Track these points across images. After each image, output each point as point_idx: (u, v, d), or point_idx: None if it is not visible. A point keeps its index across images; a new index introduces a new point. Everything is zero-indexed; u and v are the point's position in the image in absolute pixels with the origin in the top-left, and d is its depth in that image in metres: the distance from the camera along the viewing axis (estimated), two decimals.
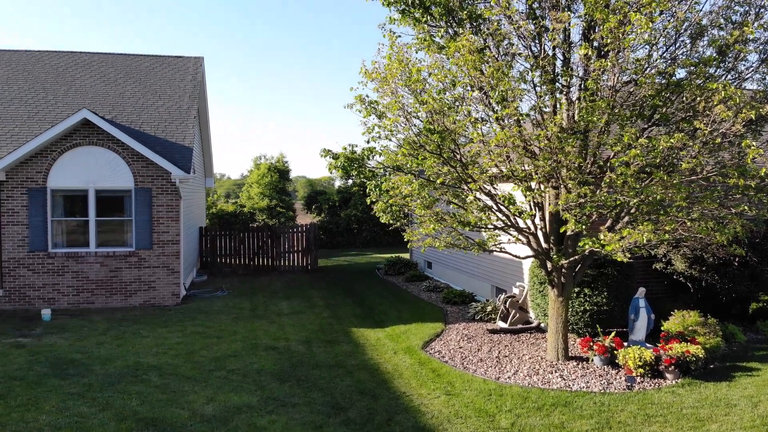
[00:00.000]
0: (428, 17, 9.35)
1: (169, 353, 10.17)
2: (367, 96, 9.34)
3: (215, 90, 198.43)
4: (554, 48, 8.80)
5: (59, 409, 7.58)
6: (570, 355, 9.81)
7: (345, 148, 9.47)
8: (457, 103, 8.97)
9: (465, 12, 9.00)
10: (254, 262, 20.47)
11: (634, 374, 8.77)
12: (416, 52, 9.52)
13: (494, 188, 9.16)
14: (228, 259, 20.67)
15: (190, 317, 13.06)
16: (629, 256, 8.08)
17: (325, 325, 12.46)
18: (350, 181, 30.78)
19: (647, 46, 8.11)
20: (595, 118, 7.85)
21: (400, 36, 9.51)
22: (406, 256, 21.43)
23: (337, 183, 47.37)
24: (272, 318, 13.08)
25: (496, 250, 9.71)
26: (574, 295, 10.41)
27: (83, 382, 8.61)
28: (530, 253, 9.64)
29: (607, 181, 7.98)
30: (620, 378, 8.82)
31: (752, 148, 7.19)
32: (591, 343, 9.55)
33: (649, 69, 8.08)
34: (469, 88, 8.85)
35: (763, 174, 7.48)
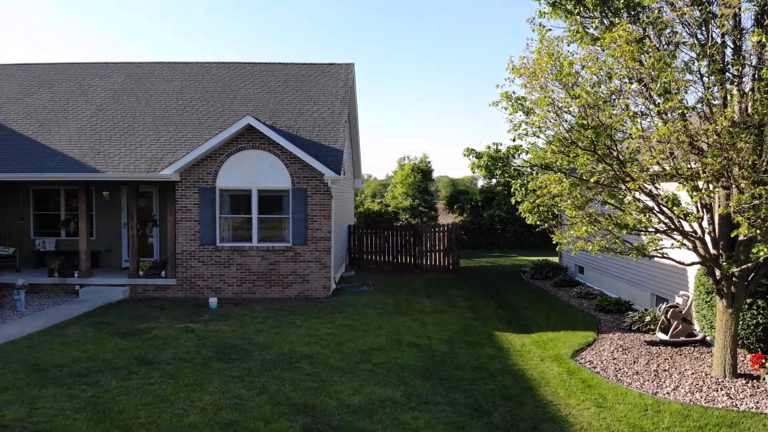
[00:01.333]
0: (581, 8, 8.89)
1: (320, 343, 10.69)
2: (514, 92, 9.11)
3: (363, 91, 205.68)
4: (723, 35, 7.94)
5: (221, 391, 8.26)
6: (738, 372, 8.80)
7: (489, 147, 9.29)
8: (613, 97, 8.43)
9: (622, 1, 8.43)
10: (397, 259, 20.89)
11: None
12: (567, 45, 9.11)
13: (656, 188, 8.47)
14: (373, 256, 21.31)
15: (339, 310, 13.62)
16: None
17: (467, 326, 12.35)
18: (494, 181, 30.26)
19: None
20: None
21: (550, 29, 9.14)
22: (554, 259, 20.62)
23: (480, 182, 46.86)
24: (415, 315, 13.23)
25: (657, 256, 8.97)
26: (746, 306, 9.32)
27: (243, 367, 9.31)
28: (696, 259, 8.79)
29: None
30: None
31: None
32: (763, 360, 8.50)
33: None
34: (626, 80, 8.27)
35: None
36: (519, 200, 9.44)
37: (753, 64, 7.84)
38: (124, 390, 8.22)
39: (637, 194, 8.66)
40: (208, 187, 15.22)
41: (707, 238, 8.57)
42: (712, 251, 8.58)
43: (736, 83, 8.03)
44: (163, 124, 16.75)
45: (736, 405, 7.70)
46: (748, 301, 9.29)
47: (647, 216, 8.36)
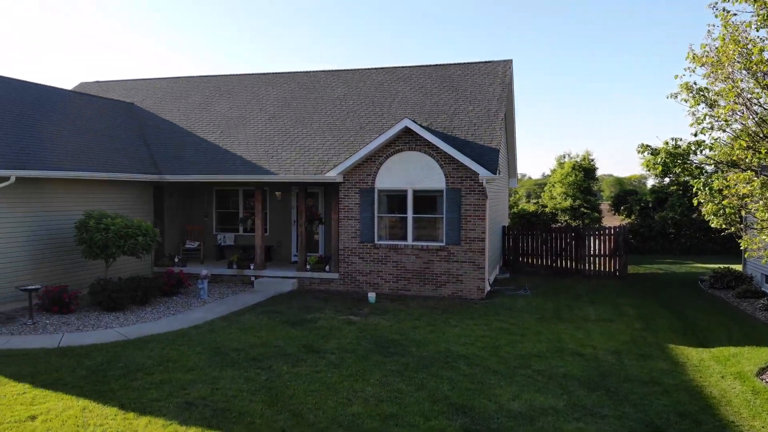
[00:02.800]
0: None
1: (476, 345, 10.60)
2: (695, 83, 8.32)
3: (520, 88, 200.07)
4: None
5: (381, 384, 8.52)
6: None
7: (666, 143, 8.59)
8: None
9: None
10: (556, 263, 20.07)
11: None
12: (756, 31, 8.13)
13: None
14: (529, 259, 20.70)
15: (493, 312, 13.42)
16: None
17: (636, 336, 11.51)
18: (666, 180, 27.88)
19: None
20: None
21: (735, 14, 8.22)
22: (737, 267, 18.52)
23: (650, 182, 43.45)
24: (577, 323, 12.62)
25: None
26: None
27: (401, 362, 9.53)
28: None
29: None
30: None
31: None
32: None
33: None
34: None
35: None
36: (701, 201, 8.62)
37: None
38: (294, 376, 8.80)
39: None
40: (367, 188, 15.82)
41: None
42: None
43: None
44: (328, 129, 17.72)
45: None
46: None
47: None
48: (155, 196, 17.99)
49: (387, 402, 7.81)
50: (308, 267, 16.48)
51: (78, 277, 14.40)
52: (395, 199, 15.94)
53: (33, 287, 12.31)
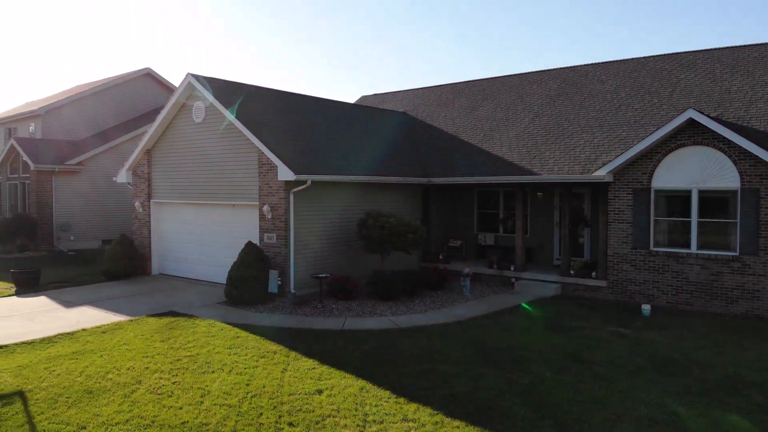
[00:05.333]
0: None
1: None
2: None
3: None
4: None
5: (656, 404, 7.71)
6: None
7: None
8: None
9: None
10: None
11: None
12: None
13: None
14: None
15: None
16: None
17: None
18: None
19: None
20: None
21: None
22: None
23: None
24: None
25: None
26: None
27: (681, 383, 8.50)
28: None
29: None
30: None
31: None
32: None
33: None
34: None
35: None
36: None
37: None
38: (558, 383, 8.48)
39: None
40: (642, 188, 14.51)
41: None
42: None
43: None
44: (596, 125, 16.75)
45: None
46: None
47: None
48: (423, 197, 19.13)
49: (662, 425, 7.05)
50: (572, 272, 15.78)
51: (357, 269, 16.02)
52: (675, 201, 14.31)
53: (323, 276, 14.06)
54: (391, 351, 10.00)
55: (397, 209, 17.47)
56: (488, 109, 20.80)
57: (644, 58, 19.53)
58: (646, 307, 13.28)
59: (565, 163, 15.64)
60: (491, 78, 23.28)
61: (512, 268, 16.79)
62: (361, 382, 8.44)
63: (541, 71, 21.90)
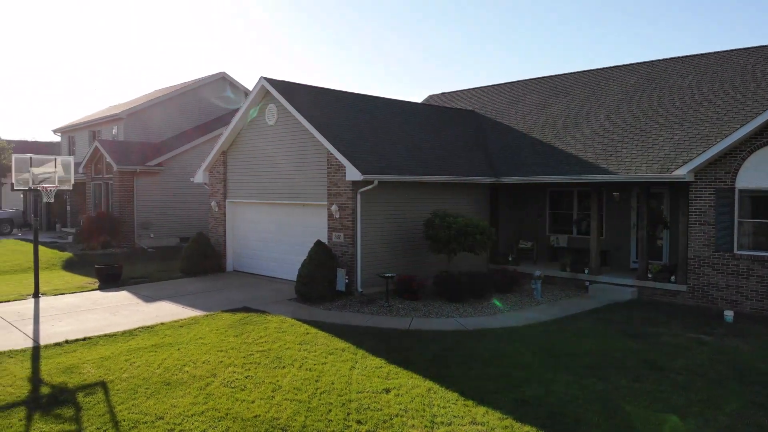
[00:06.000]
0: None
1: None
2: None
3: None
4: None
5: (739, 415, 7.29)
6: None
7: None
8: None
9: None
10: None
11: None
12: None
13: None
14: None
15: None
16: None
17: None
18: None
19: None
20: None
21: None
22: None
23: None
24: None
25: None
26: None
27: (765, 393, 7.99)
28: None
29: None
30: None
31: None
32: None
33: None
34: None
35: None
36: None
37: None
38: (633, 391, 8.15)
39: None
40: (725, 188, 13.72)
41: None
42: None
43: None
44: (676, 123, 15.98)
45: None
46: None
47: None
48: (492, 197, 18.84)
49: None
50: (649, 276, 15.12)
51: (423, 269, 15.97)
52: (761, 201, 13.45)
53: (389, 275, 14.11)
54: (458, 353, 9.90)
55: (465, 209, 17.29)
56: (561, 106, 20.25)
57: (727, 51, 18.48)
58: (728, 314, 12.55)
59: (643, 161, 15.00)
60: (564, 74, 22.66)
61: (586, 271, 16.27)
62: (428, 383, 8.40)
63: (616, 67, 21.13)
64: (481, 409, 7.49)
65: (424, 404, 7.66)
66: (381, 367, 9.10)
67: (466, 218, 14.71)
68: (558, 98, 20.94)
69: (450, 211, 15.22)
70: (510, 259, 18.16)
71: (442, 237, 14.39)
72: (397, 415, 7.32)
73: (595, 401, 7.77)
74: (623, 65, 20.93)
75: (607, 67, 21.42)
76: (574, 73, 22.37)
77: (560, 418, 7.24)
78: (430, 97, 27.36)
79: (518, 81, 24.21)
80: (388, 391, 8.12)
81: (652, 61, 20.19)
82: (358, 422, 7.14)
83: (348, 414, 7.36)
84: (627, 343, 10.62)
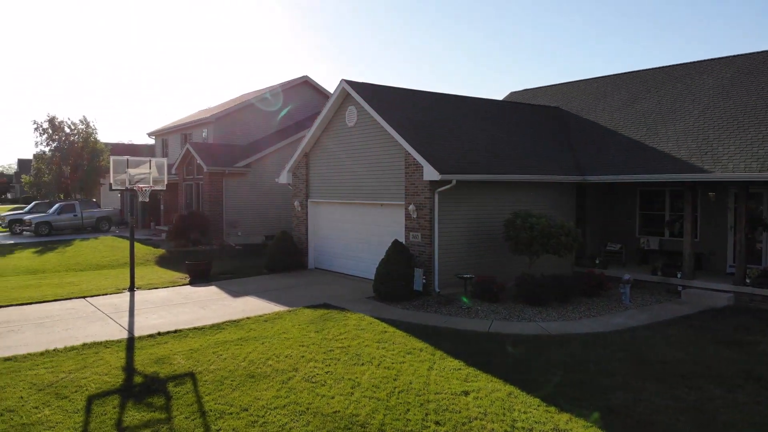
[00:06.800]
0: None
1: None
2: None
3: None
4: None
5: None
6: None
7: None
8: None
9: None
10: None
11: None
12: None
13: None
14: None
15: None
16: None
17: None
18: None
19: None
20: None
21: None
22: None
23: None
24: None
25: None
26: None
27: None
28: None
29: None
30: None
31: None
32: None
33: None
34: None
35: None
36: None
37: None
38: (729, 402, 7.63)
39: None
40: None
41: None
42: None
43: None
44: None
45: None
46: None
47: None
48: (577, 196, 18.21)
49: None
50: (747, 281, 14.11)
51: (503, 271, 15.65)
52: None
53: (468, 276, 13.94)
54: (541, 358, 9.63)
55: (547, 209, 16.81)
56: (651, 102, 19.29)
57: None
58: None
59: (741, 159, 14.02)
60: (654, 68, 21.58)
61: (678, 276, 15.40)
62: (509, 387, 8.22)
63: (710, 60, 19.89)
64: (565, 416, 7.24)
65: (504, 408, 7.50)
66: (459, 368, 9.01)
67: (549, 219, 14.30)
68: (648, 93, 19.96)
69: (532, 212, 14.85)
70: (596, 262, 17.48)
71: (523, 238, 14.06)
72: (476, 418, 7.21)
73: (687, 412, 7.33)
74: (719, 58, 19.67)
75: (700, 60, 20.20)
76: (665, 67, 21.25)
77: (648, 428, 6.89)
78: (512, 94, 26.84)
79: (604, 76, 23.28)
80: (467, 393, 8.01)
81: (749, 54, 18.85)
82: (437, 423, 7.09)
83: (426, 414, 7.33)
84: (722, 352, 9.96)
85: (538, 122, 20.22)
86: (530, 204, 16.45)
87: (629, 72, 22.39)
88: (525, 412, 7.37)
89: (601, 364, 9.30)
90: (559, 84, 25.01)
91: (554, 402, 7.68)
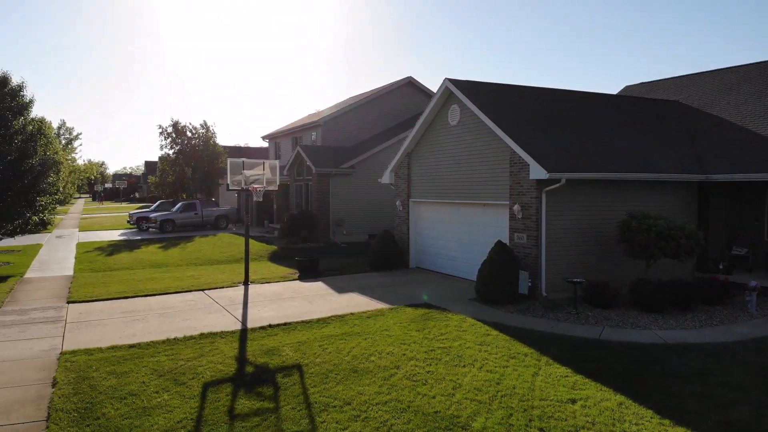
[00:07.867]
0: None
1: None
2: None
3: None
4: None
5: None
6: None
7: None
8: None
9: None
10: None
11: None
12: None
13: None
14: None
15: None
16: None
17: None
18: None
19: None
20: None
21: None
22: None
23: None
24: None
25: None
26: None
27: None
28: None
29: None
30: None
31: None
32: None
33: None
34: None
35: None
36: None
37: None
38: None
39: None
40: None
41: None
42: None
43: None
44: None
45: None
46: None
47: None
48: (699, 197, 16.93)
49: None
50: None
51: (616, 275, 14.86)
52: None
53: (578, 280, 13.37)
54: (655, 367, 9.05)
55: (664, 210, 15.76)
56: None
57: None
58: None
59: None
60: None
61: None
62: (619, 397, 7.79)
63: None
64: (680, 430, 6.75)
65: (614, 419, 7.12)
66: (567, 376, 8.66)
67: (668, 220, 13.41)
68: None
69: (649, 213, 13.99)
70: (720, 267, 16.16)
71: (639, 241, 13.29)
72: (583, 428, 6.90)
73: None
74: None
75: None
76: None
77: None
78: (627, 88, 25.46)
79: (729, 68, 21.48)
80: (574, 401, 7.69)
81: None
82: (540, 430, 6.86)
83: (530, 420, 7.11)
84: None
85: (655, 117, 19.02)
86: (647, 204, 15.50)
87: (757, 63, 20.51)
88: (637, 424, 6.94)
89: (722, 375, 8.58)
90: (678, 77, 23.40)
91: (669, 415, 7.18)
